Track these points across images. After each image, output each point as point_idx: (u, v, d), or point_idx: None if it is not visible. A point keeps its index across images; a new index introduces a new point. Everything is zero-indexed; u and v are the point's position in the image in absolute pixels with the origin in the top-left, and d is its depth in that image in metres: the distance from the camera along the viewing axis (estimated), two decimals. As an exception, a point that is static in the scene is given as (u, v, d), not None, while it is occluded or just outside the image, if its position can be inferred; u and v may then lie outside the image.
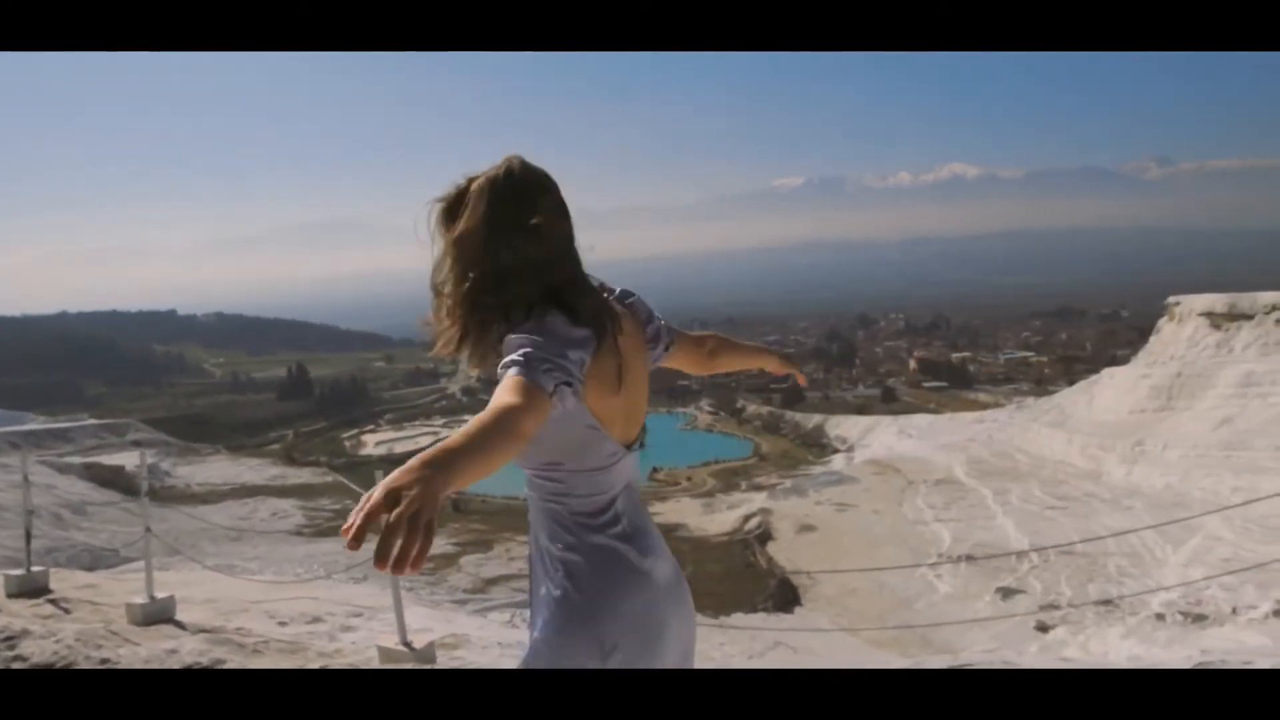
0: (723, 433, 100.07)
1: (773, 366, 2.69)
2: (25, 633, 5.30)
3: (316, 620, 6.19)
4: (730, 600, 36.79)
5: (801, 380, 2.82)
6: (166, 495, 56.80)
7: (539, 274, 1.82)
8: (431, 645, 5.44)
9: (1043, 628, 30.83)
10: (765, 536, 47.34)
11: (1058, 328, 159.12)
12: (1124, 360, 72.07)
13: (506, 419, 1.50)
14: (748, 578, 41.40)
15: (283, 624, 6.04)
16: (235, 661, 4.92)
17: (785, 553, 43.99)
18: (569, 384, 1.64)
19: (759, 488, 63.87)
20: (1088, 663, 3.77)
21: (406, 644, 5.35)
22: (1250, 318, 54.41)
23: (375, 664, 5.19)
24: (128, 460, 62.54)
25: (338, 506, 61.29)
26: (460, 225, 1.85)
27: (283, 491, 64.70)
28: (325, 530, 53.78)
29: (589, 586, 1.89)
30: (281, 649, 5.38)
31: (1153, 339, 62.90)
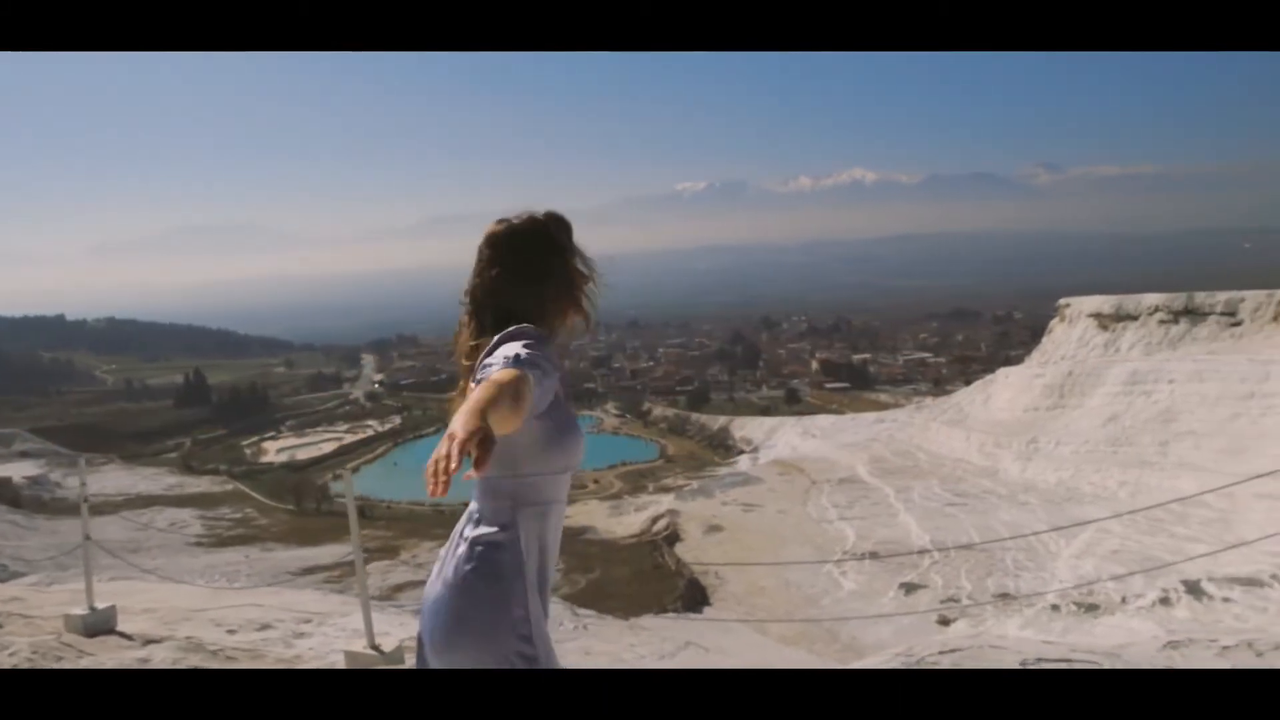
0: (629, 435, 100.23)
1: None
2: (-27, 646, 5.00)
3: (266, 627, 6.02)
4: (639, 601, 36.90)
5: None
6: (57, 507, 54.85)
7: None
8: (400, 648, 5.35)
9: (944, 621, 31.63)
10: (673, 537, 47.56)
11: (954, 329, 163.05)
12: (1018, 360, 74.23)
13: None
14: (656, 579, 41.58)
15: (231, 631, 5.85)
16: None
17: (693, 553, 44.29)
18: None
19: (666, 489, 64.17)
20: (1071, 663, 3.93)
21: (375, 647, 5.29)
22: (1135, 318, 56.63)
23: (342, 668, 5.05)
24: (14, 471, 60.47)
25: (238, 515, 59.86)
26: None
27: (181, 501, 62.98)
28: (226, 540, 52.57)
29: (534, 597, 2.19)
30: (254, 657, 5.25)
31: (1045, 339, 65.02)
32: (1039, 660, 3.94)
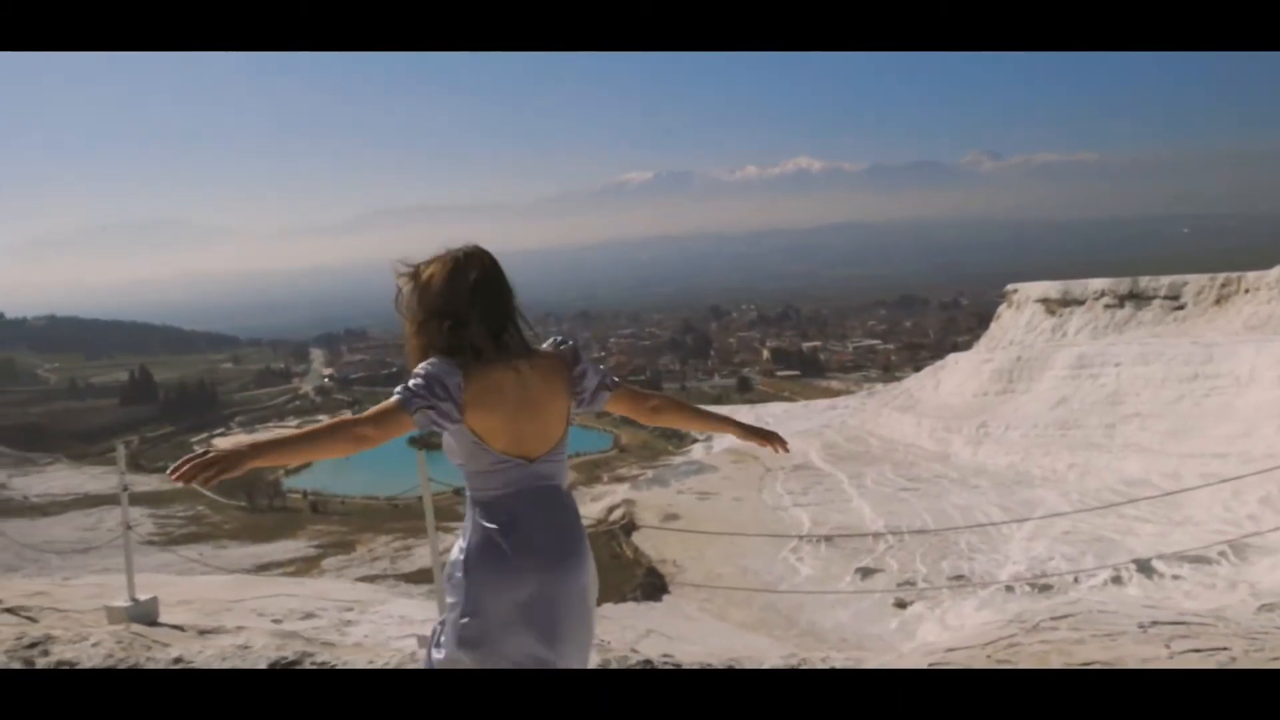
0: (582, 425, 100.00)
1: (736, 434, 2.85)
2: (49, 639, 4.78)
3: (311, 616, 5.86)
4: (600, 592, 36.94)
5: (781, 449, 2.86)
6: (3, 509, 53.93)
7: (452, 328, 2.37)
8: None
9: (901, 604, 32.05)
10: (630, 527, 47.71)
11: (902, 316, 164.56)
12: (965, 346, 75.20)
13: (342, 424, 2.23)
14: (615, 568, 41.69)
15: (277, 621, 5.71)
16: (318, 656, 4.59)
17: (650, 542, 44.45)
18: (430, 408, 2.25)
19: (621, 479, 64.34)
20: (1186, 624, 3.96)
21: None
22: (1081, 303, 57.67)
23: (407, 656, 4.89)
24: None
25: (190, 513, 59.21)
26: (422, 286, 2.42)
27: (130, 499, 61.45)
28: (178, 538, 51.96)
29: (472, 558, 2.38)
30: (339, 648, 5.07)
31: (993, 325, 65.92)
32: (1154, 623, 4.02)
